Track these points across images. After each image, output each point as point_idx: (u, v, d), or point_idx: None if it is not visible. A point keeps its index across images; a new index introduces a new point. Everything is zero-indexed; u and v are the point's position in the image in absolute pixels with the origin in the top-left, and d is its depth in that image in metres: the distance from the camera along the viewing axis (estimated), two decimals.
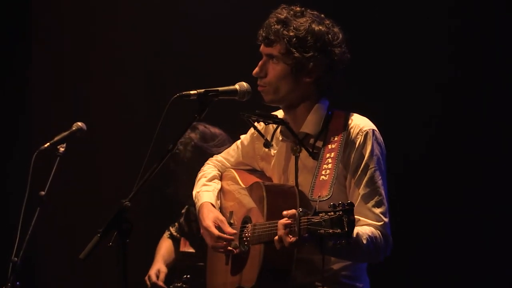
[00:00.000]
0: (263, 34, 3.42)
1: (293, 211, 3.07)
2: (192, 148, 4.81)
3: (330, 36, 3.38)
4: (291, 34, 3.34)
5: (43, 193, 3.70)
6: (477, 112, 5.09)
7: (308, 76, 3.38)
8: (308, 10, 3.44)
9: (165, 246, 5.07)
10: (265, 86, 3.43)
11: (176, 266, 5.01)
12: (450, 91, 5.13)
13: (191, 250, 4.93)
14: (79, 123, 3.90)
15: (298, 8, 3.42)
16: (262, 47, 3.45)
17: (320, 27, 3.37)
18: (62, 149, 3.79)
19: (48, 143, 3.79)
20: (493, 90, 5.07)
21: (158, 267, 4.97)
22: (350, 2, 5.29)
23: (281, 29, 3.36)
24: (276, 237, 3.11)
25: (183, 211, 4.95)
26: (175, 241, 5.05)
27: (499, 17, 5.05)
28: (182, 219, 4.98)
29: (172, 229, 5.06)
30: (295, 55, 3.34)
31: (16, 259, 3.64)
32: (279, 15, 3.40)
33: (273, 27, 3.38)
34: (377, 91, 5.19)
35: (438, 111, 5.15)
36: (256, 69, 3.44)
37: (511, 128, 5.03)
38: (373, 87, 5.19)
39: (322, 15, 3.46)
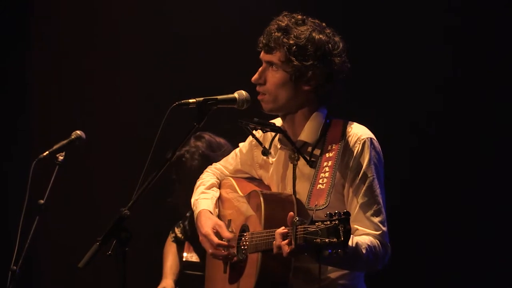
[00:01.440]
0: (264, 41, 3.41)
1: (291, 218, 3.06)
2: (199, 156, 4.79)
3: (330, 45, 3.37)
4: (291, 42, 3.34)
5: (42, 201, 3.70)
6: (476, 114, 5.10)
7: (307, 84, 3.38)
8: (310, 19, 3.43)
9: (171, 256, 5.03)
10: (265, 94, 3.43)
11: (179, 276, 4.98)
12: (448, 94, 5.14)
13: (195, 259, 4.91)
14: (78, 132, 3.91)
15: (299, 16, 3.42)
16: (262, 54, 3.44)
17: (321, 36, 3.37)
18: (61, 158, 3.80)
19: (47, 152, 3.80)
20: (492, 91, 5.08)
21: (164, 286, 4.95)
22: (349, 8, 5.30)
23: (282, 37, 3.36)
24: (275, 244, 3.11)
25: (187, 214, 4.93)
26: (180, 244, 5.02)
27: (497, 17, 5.06)
28: (186, 222, 4.96)
29: (177, 230, 5.02)
30: (295, 63, 3.34)
31: (15, 267, 3.64)
32: (280, 23, 3.39)
33: (273, 34, 3.38)
34: (374, 97, 5.20)
35: (437, 115, 5.17)
36: (255, 76, 3.44)
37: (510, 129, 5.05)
38: (370, 94, 5.20)
39: (323, 24, 3.45)
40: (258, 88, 3.44)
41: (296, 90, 3.39)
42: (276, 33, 3.38)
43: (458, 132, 5.13)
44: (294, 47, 3.34)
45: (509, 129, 5.03)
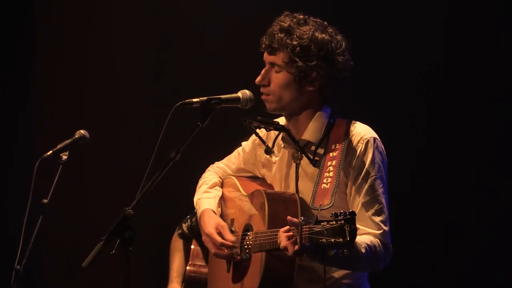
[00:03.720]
0: (266, 42, 3.41)
1: (295, 219, 3.07)
2: None
3: (333, 44, 3.37)
4: (294, 43, 3.33)
5: (45, 201, 3.70)
6: (477, 113, 5.11)
7: (311, 85, 3.38)
8: (311, 18, 3.43)
9: (178, 255, 4.98)
10: (269, 94, 3.43)
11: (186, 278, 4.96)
12: (449, 93, 5.14)
13: (201, 262, 4.87)
14: (82, 131, 3.90)
15: (301, 16, 3.41)
16: (265, 55, 3.44)
17: (323, 36, 3.37)
18: (65, 157, 3.80)
19: (51, 151, 3.79)
20: (493, 91, 5.08)
21: None
22: (351, 6, 5.31)
23: (285, 38, 3.35)
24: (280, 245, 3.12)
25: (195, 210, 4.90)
26: (187, 240, 4.99)
27: (497, 15, 5.08)
28: (194, 219, 4.92)
29: (184, 226, 4.99)
30: (299, 64, 3.33)
31: (18, 267, 3.64)
32: (282, 23, 3.39)
33: (276, 35, 3.37)
34: (376, 97, 5.20)
35: (437, 115, 5.17)
36: (259, 78, 3.44)
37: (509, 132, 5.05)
38: (372, 93, 5.20)
39: (325, 23, 3.45)
40: (262, 89, 3.45)
41: (300, 90, 3.39)
42: (279, 34, 3.37)
43: (459, 131, 5.14)
44: (298, 48, 3.34)
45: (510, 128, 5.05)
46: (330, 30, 3.42)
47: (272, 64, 3.41)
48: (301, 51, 3.33)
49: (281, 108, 3.46)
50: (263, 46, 3.44)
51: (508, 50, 5.03)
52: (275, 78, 3.41)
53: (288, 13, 3.45)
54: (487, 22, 5.08)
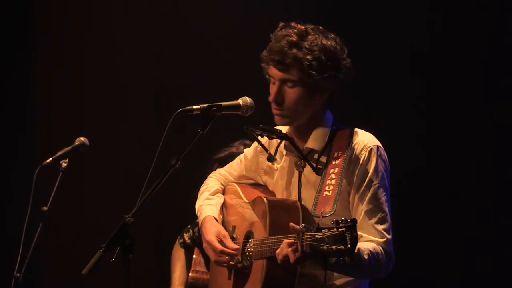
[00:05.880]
0: (276, 59, 3.32)
1: (297, 226, 3.06)
2: None
3: (338, 50, 3.34)
4: (308, 57, 3.27)
5: (45, 208, 3.69)
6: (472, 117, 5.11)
7: (323, 94, 3.36)
8: (308, 26, 3.37)
9: (179, 264, 4.97)
10: (283, 111, 3.37)
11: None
12: (448, 93, 5.15)
13: (204, 269, 4.86)
14: (82, 138, 3.90)
15: (301, 26, 3.36)
16: (273, 72, 3.36)
17: (329, 43, 3.33)
18: (64, 164, 3.79)
19: (50, 159, 3.79)
20: (493, 91, 5.08)
21: None
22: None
23: (298, 53, 3.28)
24: (278, 251, 3.11)
25: (198, 220, 4.87)
26: (188, 249, 4.98)
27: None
28: (196, 229, 4.90)
29: (186, 235, 4.97)
30: (314, 77, 3.28)
31: (18, 274, 3.65)
32: (289, 38, 3.31)
33: (288, 51, 3.29)
34: (376, 99, 5.20)
35: (438, 114, 5.18)
36: (273, 96, 3.37)
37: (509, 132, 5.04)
38: (371, 96, 5.20)
39: (321, 28, 3.40)
40: (276, 107, 3.37)
41: (312, 101, 3.35)
42: (292, 50, 3.29)
43: (459, 132, 5.14)
44: (313, 61, 3.27)
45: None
46: (332, 35, 3.38)
47: (284, 81, 3.35)
48: (316, 64, 3.27)
49: (295, 122, 3.42)
50: (271, 63, 3.36)
51: (508, 50, 5.04)
52: (290, 93, 3.34)
53: (284, 24, 3.39)
54: (486, 22, 5.08)
